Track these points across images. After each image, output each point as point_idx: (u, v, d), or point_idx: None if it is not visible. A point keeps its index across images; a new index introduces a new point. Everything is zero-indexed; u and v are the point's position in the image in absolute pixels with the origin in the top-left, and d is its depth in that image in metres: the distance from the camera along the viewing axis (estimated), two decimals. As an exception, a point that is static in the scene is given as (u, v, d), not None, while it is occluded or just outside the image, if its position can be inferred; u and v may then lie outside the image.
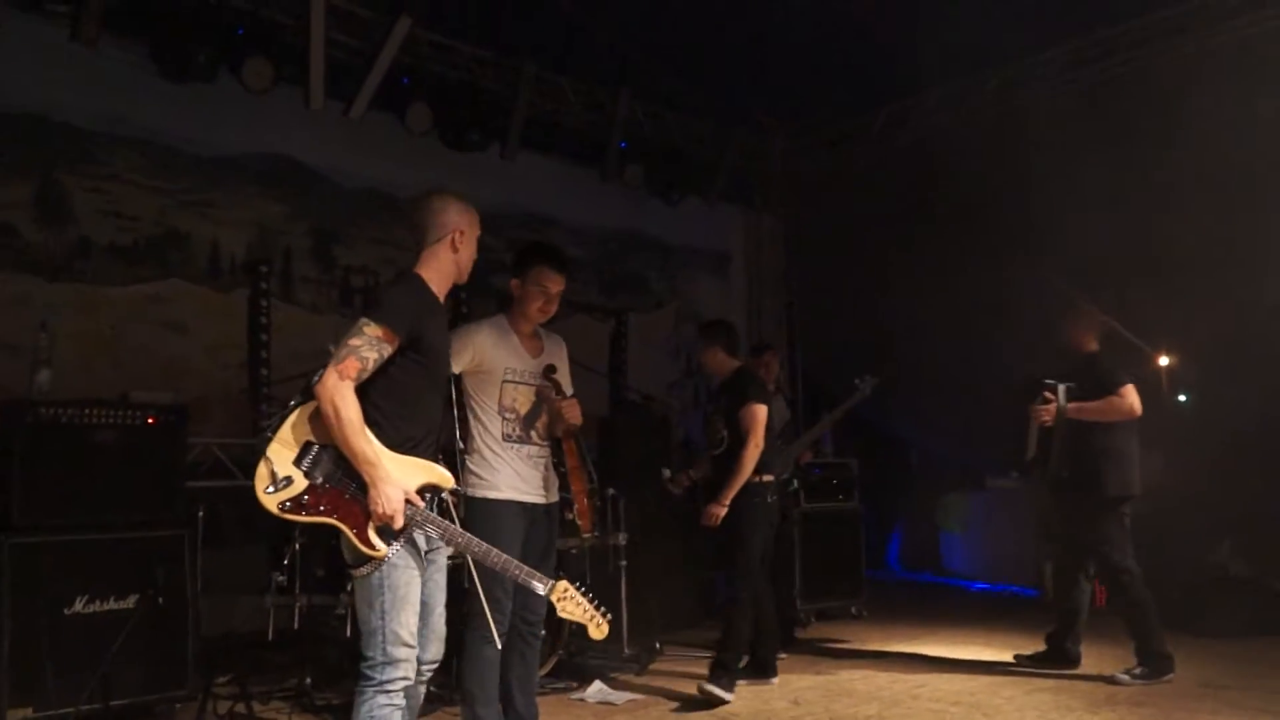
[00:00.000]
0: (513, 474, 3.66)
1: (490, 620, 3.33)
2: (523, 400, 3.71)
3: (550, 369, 3.77)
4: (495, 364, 3.66)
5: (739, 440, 4.87)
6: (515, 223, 8.32)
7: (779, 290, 10.07)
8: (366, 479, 2.72)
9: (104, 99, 6.12)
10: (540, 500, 3.74)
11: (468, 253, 3.03)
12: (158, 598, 4.26)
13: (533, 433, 3.73)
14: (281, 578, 4.82)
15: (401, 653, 2.78)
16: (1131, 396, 5.08)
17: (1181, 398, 7.45)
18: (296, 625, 4.81)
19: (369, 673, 2.78)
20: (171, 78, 5.99)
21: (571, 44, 7.72)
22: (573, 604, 2.90)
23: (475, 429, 3.68)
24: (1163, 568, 6.71)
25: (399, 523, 2.72)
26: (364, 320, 2.79)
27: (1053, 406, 5.13)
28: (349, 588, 4.16)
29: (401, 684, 2.79)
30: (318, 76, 6.34)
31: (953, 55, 7.43)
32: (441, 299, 3.01)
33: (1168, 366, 7.29)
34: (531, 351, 3.78)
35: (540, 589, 2.91)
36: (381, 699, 2.76)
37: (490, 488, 3.64)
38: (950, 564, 9.43)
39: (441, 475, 2.86)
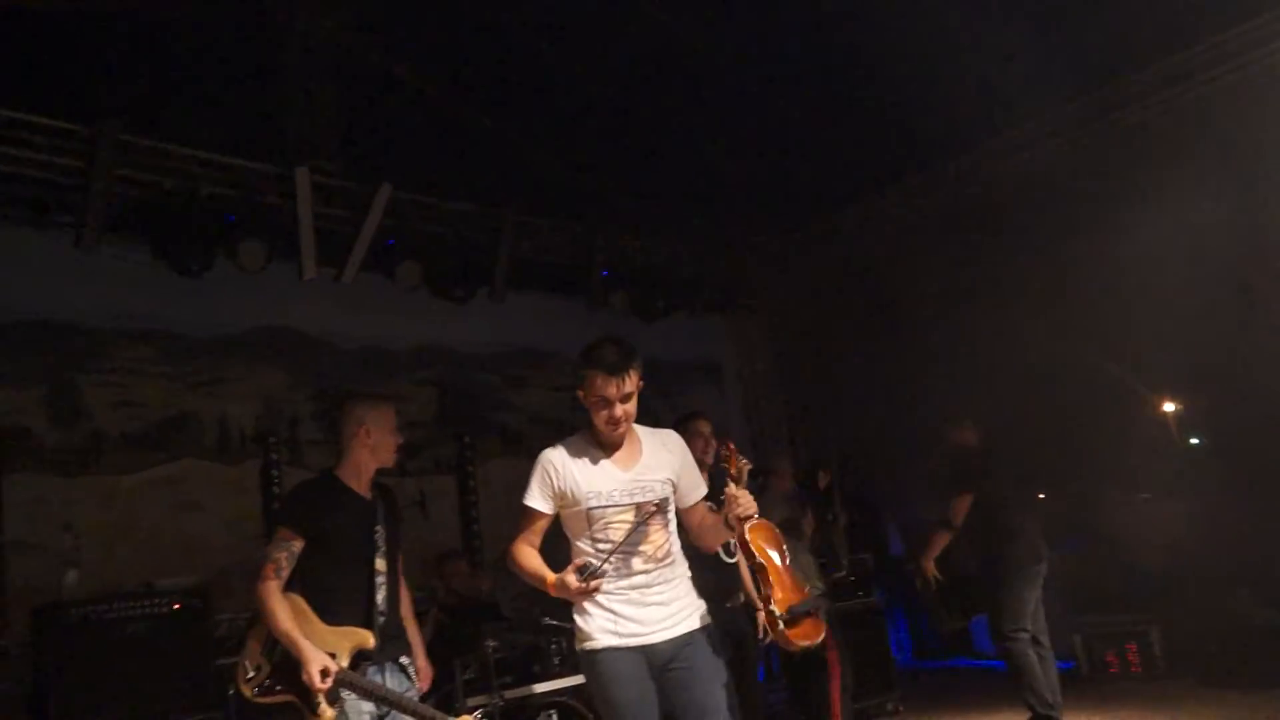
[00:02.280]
0: (605, 618, 3.07)
1: None
2: (617, 523, 3.07)
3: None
4: (577, 491, 3.08)
5: None
6: (512, 360, 8.58)
7: (774, 390, 10.26)
8: (295, 657, 3.12)
9: (107, 297, 6.40)
10: (659, 639, 3.08)
11: (381, 440, 3.43)
12: (199, 784, 4.33)
13: (635, 560, 3.08)
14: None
15: None
16: (953, 515, 5.54)
17: (1194, 441, 7.37)
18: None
19: None
20: (172, 270, 6.24)
21: (546, 185, 8.09)
22: None
23: None
24: (1186, 618, 6.69)
25: (317, 685, 3.09)
26: (276, 526, 3.36)
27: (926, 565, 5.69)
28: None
29: None
30: (309, 249, 6.61)
31: (911, 147, 7.79)
32: (364, 483, 3.44)
33: (1174, 411, 7.25)
34: (621, 463, 3.13)
35: None
36: None
37: (585, 638, 3.10)
38: (981, 645, 9.31)
39: (361, 637, 3.24)
